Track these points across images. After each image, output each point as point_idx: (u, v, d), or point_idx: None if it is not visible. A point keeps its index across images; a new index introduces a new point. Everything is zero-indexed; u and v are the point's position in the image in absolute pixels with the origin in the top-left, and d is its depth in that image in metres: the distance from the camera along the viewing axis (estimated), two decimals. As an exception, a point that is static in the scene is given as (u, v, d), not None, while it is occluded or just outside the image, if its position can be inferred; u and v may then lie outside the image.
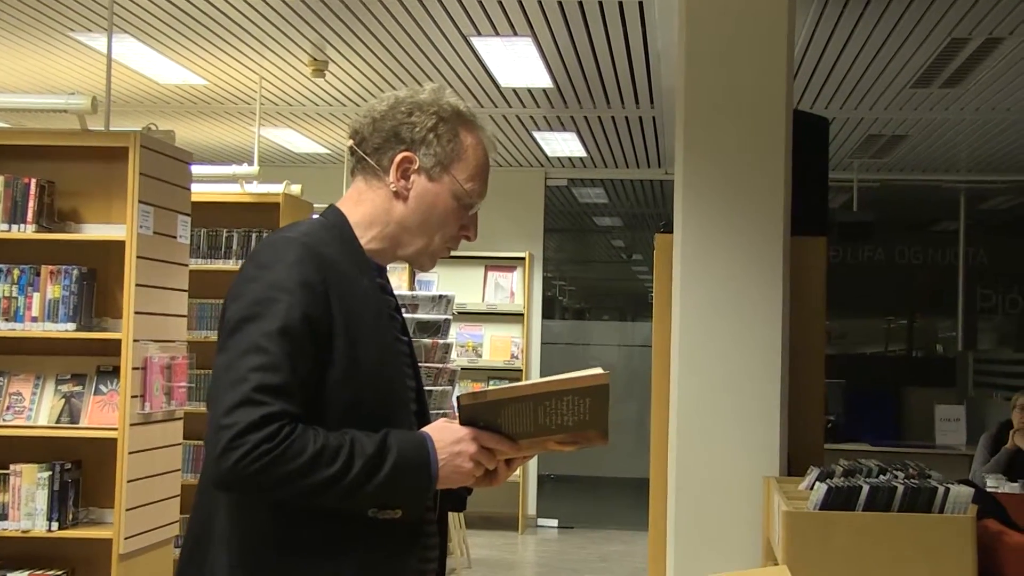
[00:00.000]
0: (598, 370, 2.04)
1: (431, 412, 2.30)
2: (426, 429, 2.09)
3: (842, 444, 8.35)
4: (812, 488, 3.78)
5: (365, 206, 2.22)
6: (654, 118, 8.50)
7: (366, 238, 2.21)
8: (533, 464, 10.68)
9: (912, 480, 3.67)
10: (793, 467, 4.56)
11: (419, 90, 2.24)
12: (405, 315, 2.34)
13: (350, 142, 2.25)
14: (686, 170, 4.65)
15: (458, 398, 2.07)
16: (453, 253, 2.31)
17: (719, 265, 4.58)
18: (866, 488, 3.62)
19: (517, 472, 10.17)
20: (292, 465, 1.92)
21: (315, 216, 2.25)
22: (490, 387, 2.09)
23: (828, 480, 3.72)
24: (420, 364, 2.35)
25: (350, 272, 2.11)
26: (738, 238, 4.57)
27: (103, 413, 4.82)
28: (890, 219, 11.49)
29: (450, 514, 2.68)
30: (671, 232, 4.79)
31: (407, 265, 10.49)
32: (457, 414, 2.10)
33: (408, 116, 2.20)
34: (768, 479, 4.38)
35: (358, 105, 8.36)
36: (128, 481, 4.75)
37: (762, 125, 4.59)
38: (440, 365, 7.24)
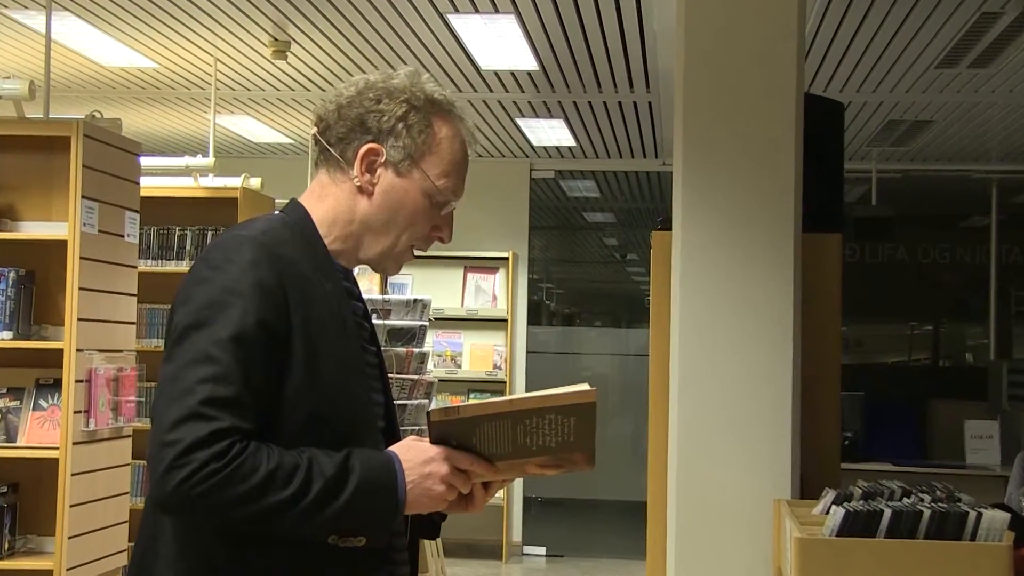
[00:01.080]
0: (584, 386, 2.04)
1: (406, 428, 2.31)
2: (393, 448, 2.10)
3: (861, 463, 8.37)
4: (827, 512, 3.79)
5: (328, 202, 2.23)
6: (650, 103, 8.52)
7: (330, 237, 2.21)
8: (518, 486, 10.69)
9: (940, 504, 3.68)
10: (806, 489, 4.57)
11: (393, 74, 2.25)
12: (376, 321, 2.34)
13: (314, 130, 2.26)
14: (686, 161, 4.66)
15: (428, 413, 2.07)
16: (429, 252, 2.32)
17: (723, 265, 4.59)
18: (888, 512, 3.63)
19: (500, 495, 10.03)
20: (243, 487, 1.92)
21: (276, 212, 2.26)
22: (464, 402, 2.09)
23: (845, 503, 3.73)
24: (394, 375, 2.36)
25: (312, 275, 2.12)
26: (744, 235, 4.58)
27: (43, 431, 4.82)
28: (913, 213, 11.52)
29: (423, 542, 2.69)
30: (669, 229, 4.80)
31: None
32: (427, 430, 2.10)
33: (376, 103, 2.20)
34: (778, 502, 4.40)
35: (323, 90, 8.36)
36: (71, 506, 4.75)
37: (770, 110, 4.60)
38: (415, 376, 7.23)
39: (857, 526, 3.63)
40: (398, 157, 2.20)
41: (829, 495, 4.03)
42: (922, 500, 3.76)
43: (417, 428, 6.71)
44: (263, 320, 2.01)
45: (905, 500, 3.78)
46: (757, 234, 4.57)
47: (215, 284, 2.03)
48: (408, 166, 2.20)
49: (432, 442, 2.08)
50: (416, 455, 2.07)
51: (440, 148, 2.23)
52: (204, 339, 1.98)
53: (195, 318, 2.01)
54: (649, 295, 5.29)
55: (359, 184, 2.20)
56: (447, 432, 2.07)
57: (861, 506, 3.69)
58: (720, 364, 4.56)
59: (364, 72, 2.30)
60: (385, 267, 2.28)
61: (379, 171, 2.20)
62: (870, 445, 9.01)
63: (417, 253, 2.29)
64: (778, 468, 4.50)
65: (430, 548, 8.22)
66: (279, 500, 1.94)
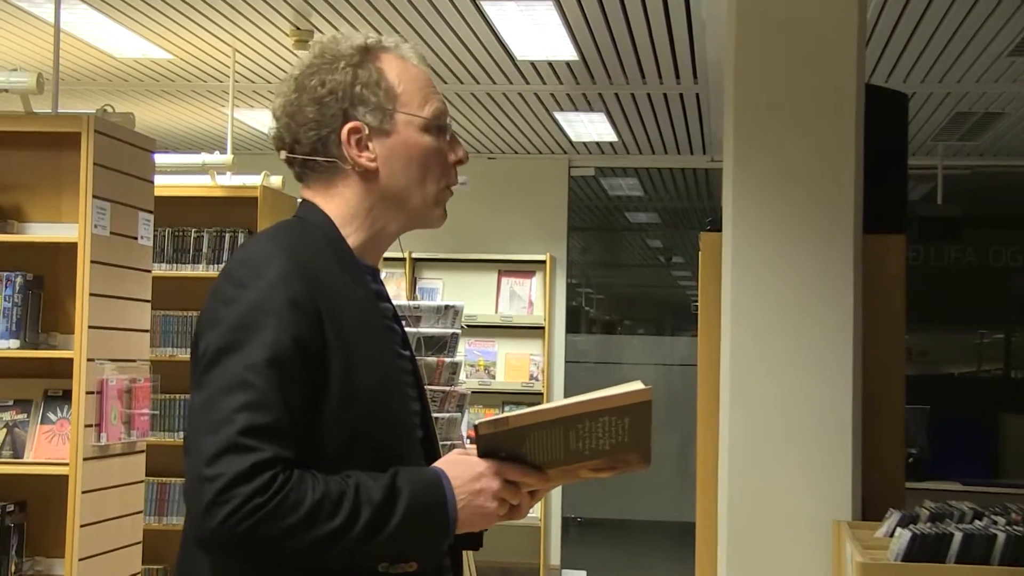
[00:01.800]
0: (638, 384, 2.06)
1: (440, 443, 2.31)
2: (440, 464, 2.10)
3: (927, 483, 8.30)
4: (892, 535, 3.77)
5: (337, 199, 2.23)
6: (698, 95, 8.50)
7: (353, 235, 2.22)
8: (556, 505, 10.68)
9: (1015, 527, 3.65)
10: (868, 510, 4.55)
11: (313, 54, 2.25)
12: (406, 329, 2.35)
13: (283, 154, 2.25)
14: (737, 157, 4.65)
15: (475, 426, 2.08)
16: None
17: (777, 269, 4.57)
18: (959, 536, 3.60)
19: (536, 513, 10.08)
20: (289, 520, 1.92)
21: (295, 216, 2.26)
22: (510, 412, 2.10)
23: (911, 526, 3.71)
24: (424, 387, 2.36)
25: (341, 282, 2.12)
26: (800, 237, 4.57)
27: (51, 445, 4.84)
28: (982, 213, 11.44)
29: (464, 554, 2.69)
30: (719, 230, 4.79)
31: (404, 271, 10.53)
32: (473, 444, 2.10)
33: (322, 86, 2.20)
34: (838, 524, 4.38)
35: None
36: (81, 526, 4.76)
37: (828, 102, 4.58)
38: (447, 388, 7.24)
39: (925, 550, 3.61)
40: (377, 119, 2.20)
41: (893, 516, 4.00)
42: (995, 523, 3.74)
43: (449, 443, 6.72)
44: (298, 339, 2.01)
45: (977, 523, 3.76)
46: (814, 235, 4.56)
47: (244, 303, 2.03)
48: (390, 120, 2.21)
49: (480, 455, 2.09)
50: (465, 471, 2.07)
51: (404, 83, 2.23)
52: (237, 363, 1.98)
53: (226, 341, 2.01)
54: (697, 301, 5.28)
55: (360, 168, 2.20)
56: (496, 444, 2.07)
57: (929, 529, 3.67)
58: (774, 375, 4.55)
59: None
60: (431, 218, 2.28)
61: (370, 144, 2.21)
62: (937, 463, 8.94)
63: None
64: (838, 487, 4.48)
65: (467, 561, 8.22)
66: (328, 531, 1.94)
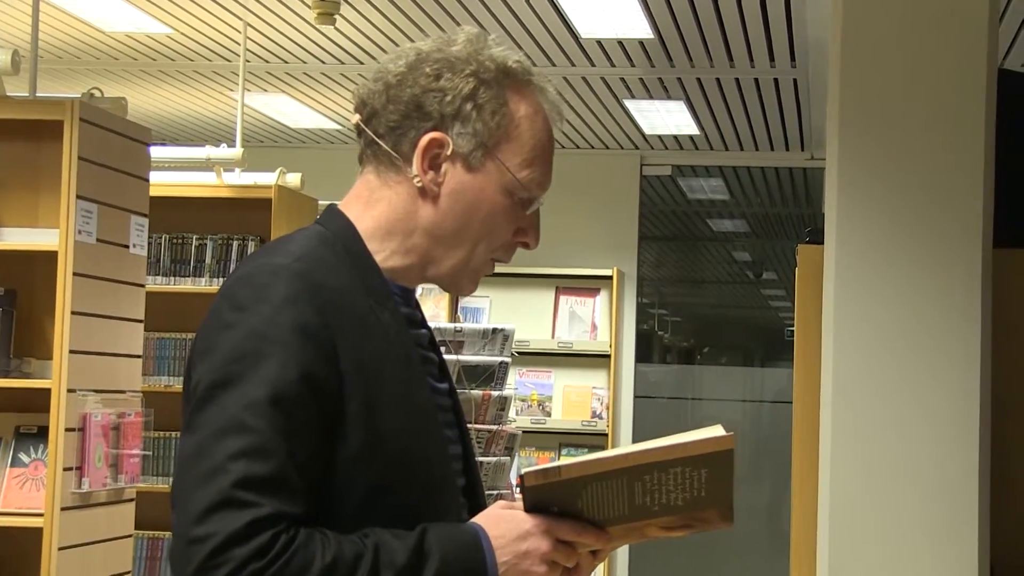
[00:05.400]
0: (718, 429, 2.05)
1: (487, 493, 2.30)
2: (479, 520, 2.09)
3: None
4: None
5: (379, 208, 2.23)
6: (795, 81, 8.48)
7: (383, 253, 2.21)
8: (623, 568, 10.65)
9: None
10: (998, 578, 4.51)
11: (450, 40, 2.24)
12: (446, 357, 2.33)
13: (356, 117, 2.25)
14: (843, 155, 4.62)
15: (522, 476, 2.07)
16: (512, 269, 2.31)
17: (890, 289, 4.54)
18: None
19: (598, 570, 9.99)
20: None
21: (314, 225, 2.25)
22: (564, 460, 2.08)
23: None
24: (468, 425, 2.35)
25: (362, 306, 2.12)
26: (918, 250, 4.54)
27: (24, 492, 4.85)
28: None
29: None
30: (820, 242, 4.77)
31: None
32: (520, 496, 2.10)
33: (435, 80, 2.20)
34: (961, 595, 4.33)
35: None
36: (58, 587, 4.78)
37: (952, 91, 4.55)
38: (494, 427, 7.23)
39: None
40: (468, 147, 2.20)
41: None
42: None
43: (496, 494, 6.71)
44: (307, 373, 2.00)
45: None
46: (935, 248, 4.53)
47: (243, 329, 2.03)
48: (481, 157, 2.20)
49: (527, 510, 2.08)
50: (509, 529, 2.06)
51: (520, 131, 2.22)
52: (234, 401, 1.98)
53: (221, 374, 2.00)
54: (792, 325, 5.26)
55: (420, 184, 2.20)
56: (546, 497, 2.07)
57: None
58: (887, 415, 4.51)
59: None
60: (460, 285, 2.29)
61: (445, 166, 2.20)
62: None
63: (496, 270, 2.28)
64: (962, 549, 4.44)
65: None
66: None
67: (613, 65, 8.36)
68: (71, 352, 4.84)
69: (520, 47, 8.07)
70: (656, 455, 2.02)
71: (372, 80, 2.24)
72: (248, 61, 8.27)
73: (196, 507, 1.92)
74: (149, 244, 5.49)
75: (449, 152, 2.19)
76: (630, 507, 2.06)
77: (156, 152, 5.82)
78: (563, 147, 10.67)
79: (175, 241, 6.83)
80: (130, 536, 5.25)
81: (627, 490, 2.04)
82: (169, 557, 1.98)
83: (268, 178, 6.95)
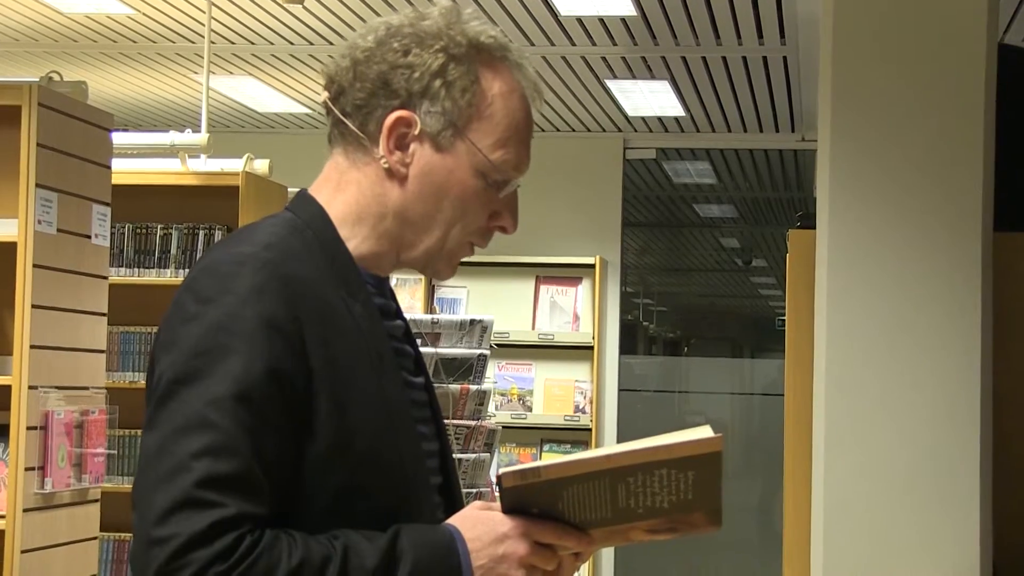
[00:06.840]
0: (705, 430, 2.05)
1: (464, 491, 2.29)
2: (454, 521, 2.10)
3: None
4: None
5: (349, 192, 2.23)
6: (785, 59, 8.48)
7: (356, 239, 2.21)
8: (608, 564, 10.66)
9: None
10: (999, 577, 4.53)
11: (423, 14, 2.24)
12: (422, 349, 2.34)
13: (324, 95, 2.25)
14: (835, 136, 4.63)
15: (499, 476, 2.07)
16: (490, 258, 2.31)
17: (886, 275, 4.55)
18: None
19: (582, 570, 9.98)
20: None
21: (284, 212, 2.25)
22: (544, 460, 2.09)
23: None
24: (445, 420, 2.35)
25: (333, 296, 2.12)
26: (914, 234, 4.55)
27: (-16, 494, 4.84)
28: None
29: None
30: (812, 227, 4.77)
31: (419, 277, 10.53)
32: (498, 497, 2.10)
33: (403, 56, 2.19)
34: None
35: (352, 43, 8.38)
36: (20, 593, 4.77)
37: (951, 67, 4.56)
38: (472, 422, 7.23)
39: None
40: (437, 126, 2.19)
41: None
42: None
43: (475, 492, 6.71)
44: (274, 369, 2.00)
45: None
46: (933, 233, 4.54)
47: (207, 322, 2.02)
48: (451, 137, 2.20)
49: (504, 511, 2.08)
50: (485, 531, 2.06)
51: (493, 109, 2.21)
52: (197, 398, 1.98)
53: (184, 369, 2.00)
54: (783, 314, 5.26)
55: (387, 165, 2.20)
56: (525, 498, 2.07)
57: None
58: (883, 408, 4.52)
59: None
60: (436, 270, 2.28)
61: (412, 146, 2.20)
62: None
63: (473, 258, 2.28)
64: (961, 548, 4.45)
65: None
66: None
67: (594, 44, 8.36)
68: (32, 347, 4.83)
69: (496, 24, 8.02)
70: (641, 456, 2.02)
71: (341, 56, 2.24)
72: (213, 42, 8.24)
73: (157, 507, 1.93)
74: (112, 234, 5.48)
75: (417, 131, 2.19)
76: (613, 509, 2.06)
77: (118, 138, 5.80)
78: (542, 130, 10.67)
79: (139, 231, 6.81)
80: (95, 538, 5.25)
81: (610, 492, 2.04)
82: (130, 559, 1.98)
83: (235, 164, 6.93)
